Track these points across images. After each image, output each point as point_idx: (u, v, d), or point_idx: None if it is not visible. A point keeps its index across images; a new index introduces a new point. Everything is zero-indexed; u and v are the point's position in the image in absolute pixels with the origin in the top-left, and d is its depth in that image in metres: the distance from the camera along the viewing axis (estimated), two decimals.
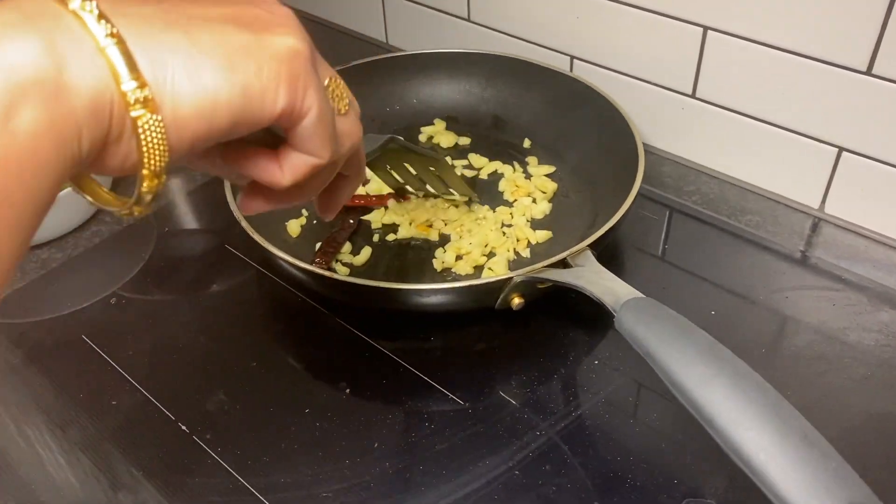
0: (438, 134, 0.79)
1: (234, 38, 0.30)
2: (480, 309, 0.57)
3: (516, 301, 0.55)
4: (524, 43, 0.82)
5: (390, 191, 0.71)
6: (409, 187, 0.70)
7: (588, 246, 0.55)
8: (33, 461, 0.52)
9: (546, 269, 0.54)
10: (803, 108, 0.65)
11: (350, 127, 0.36)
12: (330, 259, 0.64)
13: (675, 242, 0.68)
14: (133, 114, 0.27)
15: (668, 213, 0.71)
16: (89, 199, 0.32)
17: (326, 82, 0.34)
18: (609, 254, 0.56)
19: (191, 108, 0.28)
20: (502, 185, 0.72)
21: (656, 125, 0.75)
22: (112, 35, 0.27)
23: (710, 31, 0.67)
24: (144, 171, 0.29)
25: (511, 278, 0.53)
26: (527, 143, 0.77)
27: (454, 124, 0.80)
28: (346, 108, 0.36)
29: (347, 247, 0.66)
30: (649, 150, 0.64)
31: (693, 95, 0.71)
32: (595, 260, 0.54)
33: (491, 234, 0.66)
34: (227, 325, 0.62)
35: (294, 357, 0.60)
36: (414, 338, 0.59)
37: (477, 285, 0.54)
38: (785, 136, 0.67)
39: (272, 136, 0.35)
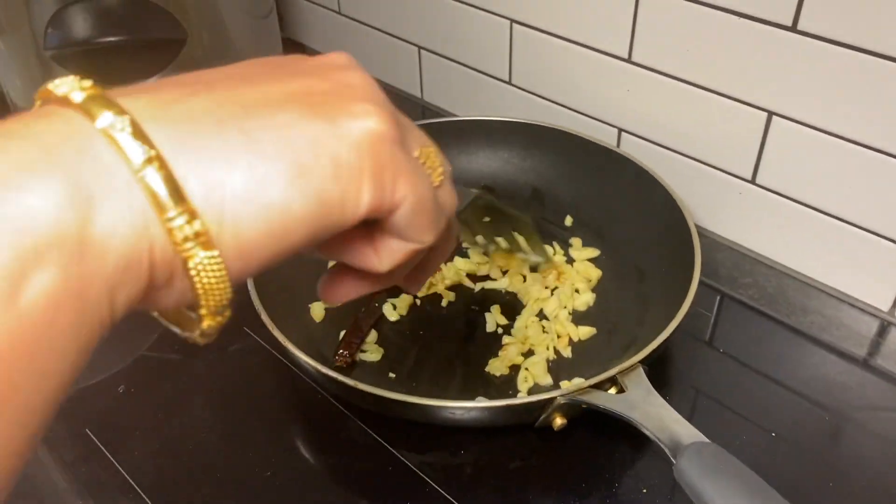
0: None
1: (303, 130, 0.24)
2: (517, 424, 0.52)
3: (558, 422, 0.50)
4: (567, 111, 0.77)
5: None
6: (478, 238, 0.62)
7: (639, 362, 0.50)
8: None
9: (592, 390, 0.49)
10: (874, 205, 0.60)
11: (445, 198, 0.30)
12: (354, 350, 0.60)
13: (727, 341, 0.62)
14: (183, 254, 0.22)
15: (719, 299, 0.66)
16: (155, 313, 0.27)
17: (417, 153, 0.28)
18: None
19: (256, 232, 0.23)
20: (542, 270, 0.67)
21: (710, 208, 0.70)
22: (150, 160, 0.21)
23: (775, 117, 0.61)
24: (202, 311, 0.24)
25: (554, 399, 0.48)
26: (568, 221, 0.72)
27: (491, 195, 0.75)
28: (441, 178, 0.30)
29: (374, 335, 0.62)
30: (702, 233, 0.59)
31: (753, 181, 0.66)
32: (647, 381, 0.49)
33: (529, 330, 0.61)
34: (241, 422, 0.57)
35: (312, 466, 0.55)
36: (442, 450, 0.54)
37: (516, 405, 0.49)
38: (853, 232, 0.62)
39: None
